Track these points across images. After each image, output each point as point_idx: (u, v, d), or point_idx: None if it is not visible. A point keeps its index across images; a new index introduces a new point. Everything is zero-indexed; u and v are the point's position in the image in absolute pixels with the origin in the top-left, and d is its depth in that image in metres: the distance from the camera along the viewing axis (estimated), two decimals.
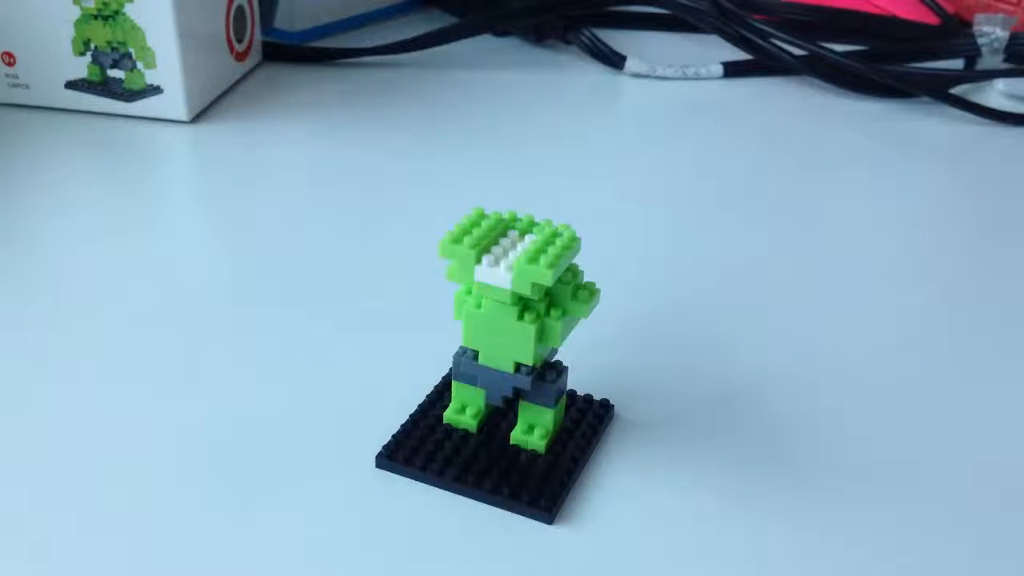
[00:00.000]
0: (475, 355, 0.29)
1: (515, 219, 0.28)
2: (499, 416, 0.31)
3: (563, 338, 0.28)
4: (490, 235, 0.27)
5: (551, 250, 0.27)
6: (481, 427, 0.31)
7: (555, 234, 0.28)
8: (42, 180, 0.46)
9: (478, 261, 0.27)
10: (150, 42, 0.50)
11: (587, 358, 0.35)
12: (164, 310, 0.37)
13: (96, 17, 0.50)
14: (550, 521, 0.28)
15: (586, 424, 0.31)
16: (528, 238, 0.28)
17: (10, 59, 0.51)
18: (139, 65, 0.50)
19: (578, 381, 0.34)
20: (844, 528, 0.28)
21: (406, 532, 0.28)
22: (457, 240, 0.27)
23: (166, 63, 0.50)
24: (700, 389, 0.34)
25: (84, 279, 0.38)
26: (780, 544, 0.28)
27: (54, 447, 0.30)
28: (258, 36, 0.59)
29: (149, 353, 0.34)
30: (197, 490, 0.29)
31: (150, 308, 0.37)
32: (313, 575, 0.26)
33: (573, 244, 0.27)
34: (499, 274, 0.27)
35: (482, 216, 0.28)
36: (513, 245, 0.28)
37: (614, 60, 0.61)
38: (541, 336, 0.28)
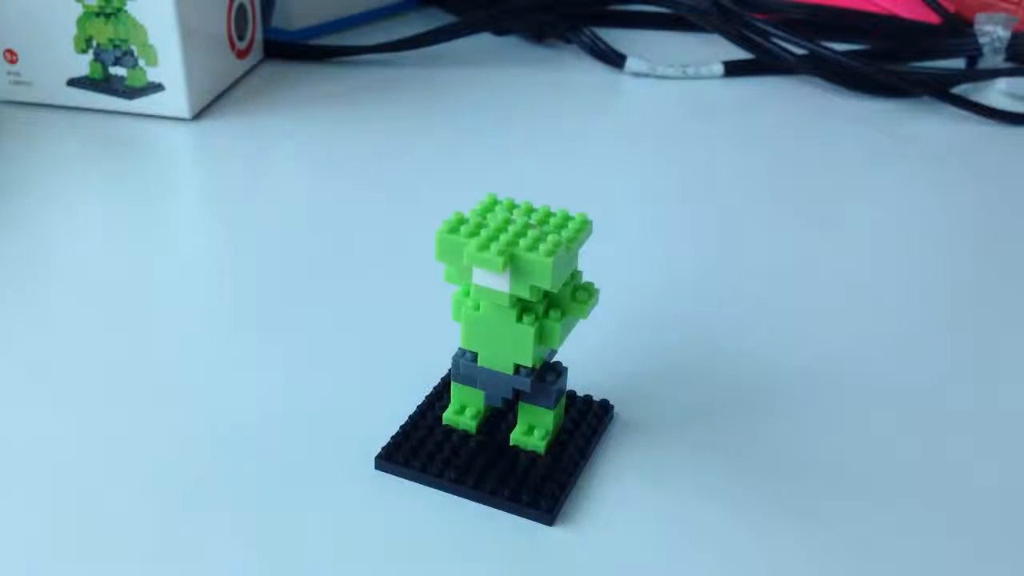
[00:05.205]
0: (474, 357, 0.29)
1: (530, 209, 0.28)
2: (499, 417, 0.31)
3: (562, 339, 0.28)
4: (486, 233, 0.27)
5: (542, 247, 0.26)
6: (481, 428, 0.31)
7: (560, 225, 0.27)
8: (44, 177, 0.46)
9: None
10: (152, 39, 0.50)
11: (587, 359, 0.35)
12: (164, 308, 0.37)
13: (98, 14, 0.50)
14: (550, 522, 0.28)
15: (586, 425, 0.31)
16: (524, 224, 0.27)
17: (12, 56, 0.51)
18: (141, 62, 0.50)
19: (578, 382, 0.34)
20: (844, 528, 0.29)
21: (405, 533, 0.28)
22: (452, 242, 0.27)
23: (168, 60, 0.50)
24: (700, 390, 0.34)
25: (85, 276, 0.38)
26: (779, 544, 0.28)
27: (51, 448, 0.30)
28: (259, 34, 0.59)
29: (149, 351, 0.34)
30: (196, 490, 0.29)
31: (150, 306, 0.37)
32: None
33: (577, 236, 0.27)
34: (492, 267, 0.26)
35: (487, 209, 0.28)
36: (505, 228, 0.27)
37: (614, 59, 0.61)
38: (540, 337, 0.28)
